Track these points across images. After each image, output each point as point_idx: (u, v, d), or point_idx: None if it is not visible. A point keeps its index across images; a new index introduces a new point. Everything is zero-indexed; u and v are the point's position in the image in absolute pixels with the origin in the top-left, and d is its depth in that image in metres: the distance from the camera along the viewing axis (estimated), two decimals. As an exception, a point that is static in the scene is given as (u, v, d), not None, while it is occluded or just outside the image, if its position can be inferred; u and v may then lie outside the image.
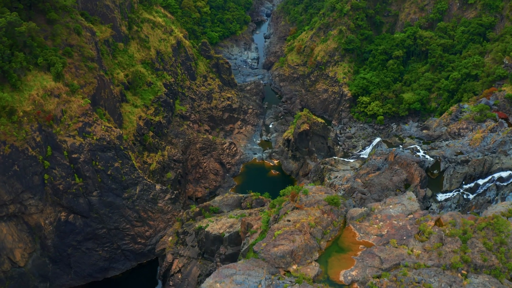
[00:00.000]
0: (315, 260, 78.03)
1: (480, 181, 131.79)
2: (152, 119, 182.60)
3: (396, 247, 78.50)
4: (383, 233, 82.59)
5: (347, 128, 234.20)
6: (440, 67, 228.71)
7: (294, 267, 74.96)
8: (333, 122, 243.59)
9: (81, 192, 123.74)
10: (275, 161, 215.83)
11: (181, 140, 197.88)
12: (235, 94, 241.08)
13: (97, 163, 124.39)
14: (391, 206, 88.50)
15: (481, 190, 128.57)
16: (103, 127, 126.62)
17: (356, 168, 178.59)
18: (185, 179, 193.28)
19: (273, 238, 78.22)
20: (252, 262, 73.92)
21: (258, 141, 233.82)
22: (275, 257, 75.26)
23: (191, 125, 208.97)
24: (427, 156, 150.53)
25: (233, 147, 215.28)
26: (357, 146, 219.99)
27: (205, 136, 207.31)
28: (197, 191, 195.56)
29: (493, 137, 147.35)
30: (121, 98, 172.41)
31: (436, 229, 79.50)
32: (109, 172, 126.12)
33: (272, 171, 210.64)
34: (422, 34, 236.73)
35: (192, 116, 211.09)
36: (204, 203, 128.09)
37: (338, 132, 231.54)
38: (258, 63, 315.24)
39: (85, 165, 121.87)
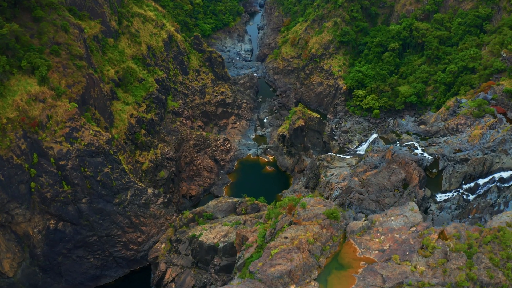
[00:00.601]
0: (314, 279, 74.57)
1: (480, 181, 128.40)
2: (144, 117, 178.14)
3: (399, 264, 75.08)
4: (385, 248, 79.01)
5: (342, 122, 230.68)
6: (436, 60, 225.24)
7: (292, 287, 71.55)
8: (328, 116, 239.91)
9: (69, 199, 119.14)
10: (270, 157, 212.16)
11: (174, 138, 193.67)
12: (228, 88, 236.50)
13: (85, 169, 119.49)
14: (392, 218, 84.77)
15: (482, 191, 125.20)
16: (91, 131, 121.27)
17: (353, 165, 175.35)
18: (179, 177, 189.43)
19: (270, 257, 74.57)
20: (248, 283, 70.34)
21: (253, 136, 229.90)
22: (272, 277, 71.64)
23: (184, 121, 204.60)
24: (425, 154, 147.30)
25: (227, 143, 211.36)
26: (353, 140, 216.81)
27: (198, 133, 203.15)
28: (191, 189, 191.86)
29: (492, 134, 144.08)
30: (111, 95, 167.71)
31: (440, 243, 76.05)
32: (98, 178, 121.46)
33: (267, 167, 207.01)
34: (418, 26, 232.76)
35: (185, 112, 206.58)
36: (198, 209, 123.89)
37: (333, 126, 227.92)
38: (251, 55, 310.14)
39: (73, 172, 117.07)
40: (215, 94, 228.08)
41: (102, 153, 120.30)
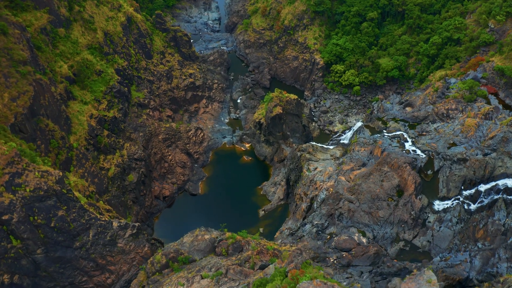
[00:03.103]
0: None
1: (482, 187, 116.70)
2: (106, 115, 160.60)
3: None
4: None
5: (321, 100, 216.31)
6: (418, 29, 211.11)
7: None
8: (305, 93, 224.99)
9: (21, 254, 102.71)
10: (247, 145, 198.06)
11: (141, 134, 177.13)
12: (197, 69, 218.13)
13: (36, 217, 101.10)
14: (407, 292, 72.08)
15: (485, 202, 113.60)
16: (36, 174, 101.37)
17: (337, 157, 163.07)
18: (150, 177, 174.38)
19: None
20: None
21: (227, 120, 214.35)
22: None
23: (151, 113, 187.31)
24: (418, 152, 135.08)
25: (200, 133, 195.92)
26: (334, 121, 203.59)
27: (167, 125, 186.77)
28: (164, 188, 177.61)
29: (489, 127, 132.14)
30: (66, 96, 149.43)
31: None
32: (52, 224, 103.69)
33: (244, 157, 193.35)
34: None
35: (151, 102, 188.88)
36: (171, 251, 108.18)
37: (312, 106, 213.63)
38: (220, 24, 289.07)
39: (20, 225, 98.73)
40: (183, 77, 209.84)
41: (54, 195, 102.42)
